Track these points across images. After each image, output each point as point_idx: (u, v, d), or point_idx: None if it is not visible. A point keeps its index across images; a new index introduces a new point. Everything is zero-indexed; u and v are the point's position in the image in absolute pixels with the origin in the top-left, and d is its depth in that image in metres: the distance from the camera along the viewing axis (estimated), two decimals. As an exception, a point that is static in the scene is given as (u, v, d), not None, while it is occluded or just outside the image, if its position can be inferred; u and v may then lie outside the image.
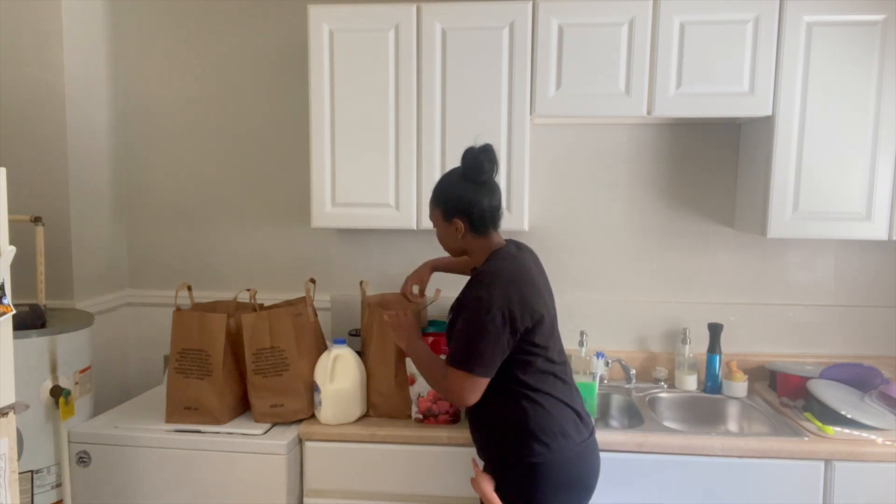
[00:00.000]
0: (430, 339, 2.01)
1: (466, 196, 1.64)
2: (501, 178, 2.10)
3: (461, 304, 1.63)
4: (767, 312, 2.38)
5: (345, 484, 1.92)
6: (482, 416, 1.65)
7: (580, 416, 1.65)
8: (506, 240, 1.73)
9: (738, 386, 2.23)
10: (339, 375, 1.95)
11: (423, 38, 2.07)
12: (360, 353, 2.06)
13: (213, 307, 2.10)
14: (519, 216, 2.10)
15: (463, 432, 1.88)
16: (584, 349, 2.32)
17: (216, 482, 1.88)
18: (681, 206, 2.39)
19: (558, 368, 1.64)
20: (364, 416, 2.03)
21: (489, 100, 2.07)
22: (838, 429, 1.89)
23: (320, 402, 1.95)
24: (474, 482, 1.62)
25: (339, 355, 1.97)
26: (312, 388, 1.98)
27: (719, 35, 2.00)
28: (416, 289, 2.05)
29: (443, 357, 1.66)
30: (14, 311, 1.38)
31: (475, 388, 1.56)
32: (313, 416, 1.99)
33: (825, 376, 2.13)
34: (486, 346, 1.53)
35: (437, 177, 2.10)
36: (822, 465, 1.82)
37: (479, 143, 1.65)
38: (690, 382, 2.30)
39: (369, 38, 2.09)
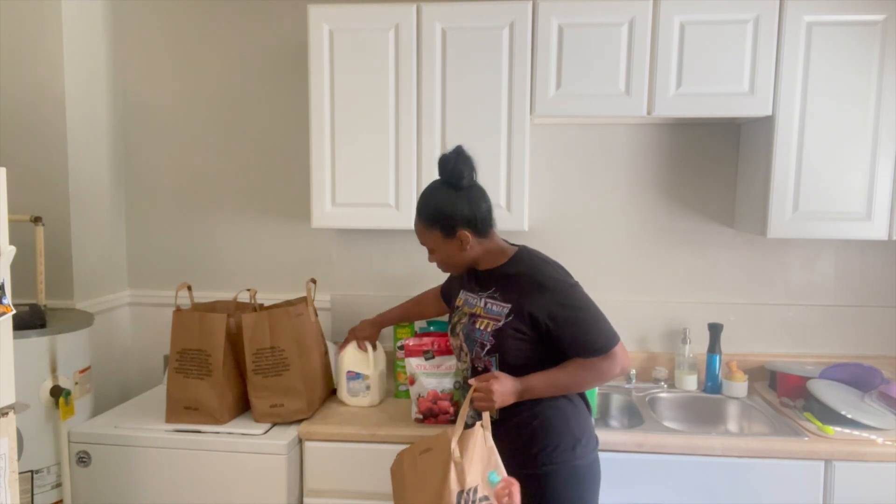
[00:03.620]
0: (428, 338, 2.01)
1: (462, 204, 1.62)
2: (501, 178, 2.10)
3: (523, 300, 1.57)
4: (767, 312, 2.38)
5: (345, 484, 1.91)
6: (521, 419, 1.61)
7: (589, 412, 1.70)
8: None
9: (738, 386, 2.23)
10: (376, 361, 2.11)
11: (423, 38, 2.07)
12: None
13: (213, 307, 2.10)
14: (519, 216, 2.10)
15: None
16: (584, 349, 2.32)
17: (216, 482, 1.88)
18: (681, 206, 2.39)
19: None
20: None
21: (489, 100, 2.07)
22: (838, 429, 1.89)
23: (368, 388, 2.08)
24: (507, 488, 1.47)
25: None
26: (313, 388, 1.98)
27: (719, 35, 2.00)
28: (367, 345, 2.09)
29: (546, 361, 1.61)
30: (14, 311, 1.38)
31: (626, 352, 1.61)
32: (313, 416, 1.99)
33: (825, 376, 2.13)
34: (600, 311, 1.59)
35: (437, 177, 2.11)
36: (822, 465, 1.82)
37: (449, 148, 1.63)
38: (690, 382, 2.30)
39: (369, 38, 2.09)
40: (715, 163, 2.36)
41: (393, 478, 1.64)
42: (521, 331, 1.58)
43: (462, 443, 1.50)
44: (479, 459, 1.48)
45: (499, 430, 1.56)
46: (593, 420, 1.71)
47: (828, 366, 2.20)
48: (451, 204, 1.62)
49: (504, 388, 1.55)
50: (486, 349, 1.61)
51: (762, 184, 2.09)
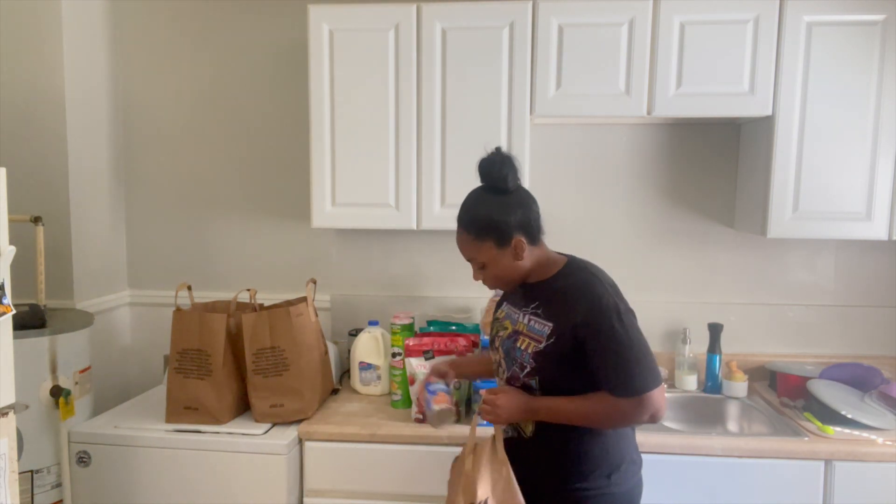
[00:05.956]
0: (428, 339, 2.01)
1: (514, 208, 1.47)
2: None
3: (566, 321, 1.42)
4: (767, 312, 2.38)
5: (345, 484, 1.91)
6: (556, 439, 1.47)
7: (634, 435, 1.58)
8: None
9: (738, 386, 2.23)
10: (386, 352, 2.22)
11: (423, 38, 2.07)
12: None
13: (213, 307, 2.10)
14: (519, 216, 2.10)
15: (463, 432, 1.88)
16: (584, 349, 2.32)
17: (216, 482, 1.88)
18: (681, 206, 2.39)
19: None
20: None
21: (489, 100, 2.07)
22: (838, 429, 1.89)
23: (379, 378, 2.21)
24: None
25: (383, 334, 2.25)
26: (313, 388, 1.98)
27: (719, 35, 2.00)
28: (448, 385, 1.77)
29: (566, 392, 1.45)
30: (14, 311, 1.38)
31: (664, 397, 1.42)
32: (313, 416, 1.99)
33: (825, 376, 2.13)
34: (648, 348, 1.42)
35: (437, 177, 2.11)
36: (822, 465, 1.82)
37: (489, 149, 1.49)
38: (690, 382, 2.29)
39: (369, 38, 2.09)
40: (715, 163, 2.36)
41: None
42: (565, 355, 1.42)
43: (477, 454, 1.47)
44: (491, 472, 1.45)
45: (532, 449, 1.50)
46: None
47: (828, 366, 2.19)
48: (502, 209, 1.46)
49: (511, 403, 1.45)
50: (525, 370, 1.48)
51: (762, 184, 2.09)
